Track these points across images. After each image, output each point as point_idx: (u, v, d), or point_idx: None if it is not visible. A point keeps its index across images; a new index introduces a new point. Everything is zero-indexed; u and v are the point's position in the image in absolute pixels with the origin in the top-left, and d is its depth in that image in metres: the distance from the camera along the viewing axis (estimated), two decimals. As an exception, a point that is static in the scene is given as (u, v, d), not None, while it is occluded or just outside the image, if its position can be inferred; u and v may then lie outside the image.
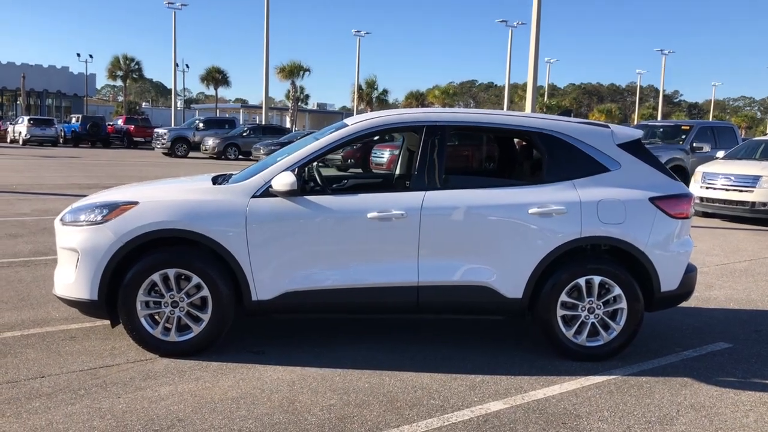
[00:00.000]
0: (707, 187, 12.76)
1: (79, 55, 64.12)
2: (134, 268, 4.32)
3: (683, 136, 15.68)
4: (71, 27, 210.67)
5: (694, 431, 3.56)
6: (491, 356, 4.61)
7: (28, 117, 38.76)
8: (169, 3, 48.44)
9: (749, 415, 3.81)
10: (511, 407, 3.77)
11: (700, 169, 13.23)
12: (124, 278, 4.32)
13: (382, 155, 20.05)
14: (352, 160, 21.55)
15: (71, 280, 4.39)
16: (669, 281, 4.62)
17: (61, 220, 4.57)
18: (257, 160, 5.20)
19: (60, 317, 5.19)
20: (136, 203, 4.38)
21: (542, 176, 4.63)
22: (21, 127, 37.18)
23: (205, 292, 4.36)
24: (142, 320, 4.38)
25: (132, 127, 40.19)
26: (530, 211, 4.46)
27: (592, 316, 4.56)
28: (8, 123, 41.38)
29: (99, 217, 4.37)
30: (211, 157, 30.20)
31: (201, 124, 32.82)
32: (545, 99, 66.23)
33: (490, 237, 4.47)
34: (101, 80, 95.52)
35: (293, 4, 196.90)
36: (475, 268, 4.47)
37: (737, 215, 12.57)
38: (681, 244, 4.70)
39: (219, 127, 32.87)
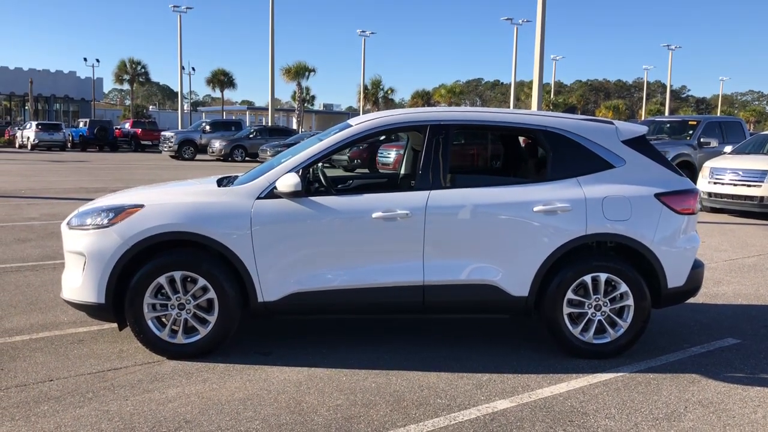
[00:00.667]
0: (715, 183, 12.70)
1: (86, 59, 64.64)
2: (141, 271, 4.34)
3: (690, 132, 15.61)
4: (78, 32, 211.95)
5: (702, 428, 3.55)
6: (498, 355, 4.61)
7: (36, 122, 38.99)
8: (174, 7, 48.66)
9: (758, 411, 3.79)
10: (518, 405, 3.77)
11: (708, 165, 13.16)
12: (131, 281, 4.34)
13: (389, 155, 20.04)
14: (359, 161, 21.59)
15: (78, 283, 4.42)
16: (676, 277, 4.60)
17: (68, 224, 4.60)
18: (264, 162, 5.20)
19: (68, 321, 5.22)
20: (141, 206, 4.40)
21: (547, 174, 4.63)
22: (29, 132, 37.40)
23: (212, 294, 4.38)
24: (149, 323, 4.40)
25: (139, 130, 40.39)
26: (535, 209, 4.45)
27: (598, 314, 4.55)
28: (17, 128, 41.63)
29: (105, 221, 4.39)
30: (218, 159, 30.30)
31: (207, 127, 32.90)
32: (552, 96, 66.05)
33: (496, 235, 4.47)
34: (108, 84, 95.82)
35: (298, 6, 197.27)
36: (480, 266, 4.47)
37: (745, 210, 12.50)
38: (687, 240, 4.68)
39: (225, 129, 32.95)
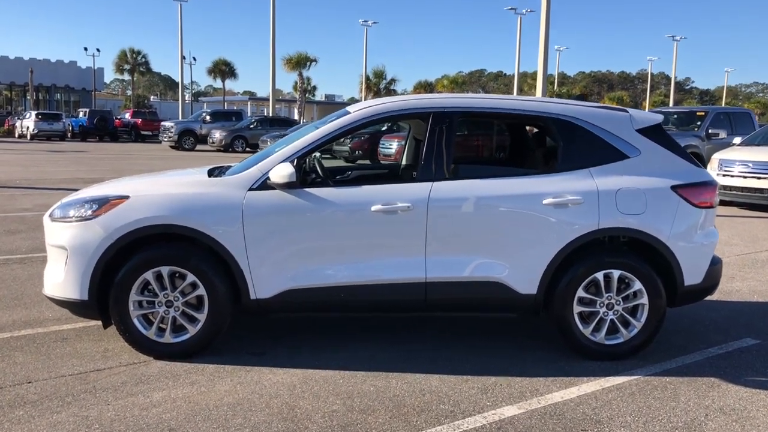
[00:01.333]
0: (724, 175, 12.40)
1: (86, 49, 64.27)
2: (126, 266, 4.09)
3: (698, 123, 15.30)
4: (78, 21, 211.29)
5: (724, 438, 3.30)
6: (504, 357, 4.35)
7: (36, 112, 38.69)
8: (175, -5, 48.19)
9: (783, 419, 3.54)
10: (526, 412, 3.52)
11: (717, 156, 12.87)
12: (116, 277, 4.09)
13: (391, 146, 19.72)
14: (360, 152, 21.28)
15: (60, 279, 4.17)
16: (693, 274, 4.34)
17: (50, 215, 4.35)
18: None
19: (53, 317, 4.98)
20: (126, 197, 4.15)
21: (557, 165, 4.36)
22: (28, 122, 37.12)
23: (201, 290, 4.13)
24: (135, 321, 4.16)
25: (139, 120, 40.09)
26: (544, 201, 4.19)
27: (611, 313, 4.29)
28: (16, 118, 41.36)
29: (88, 213, 4.14)
30: (218, 150, 30.02)
31: (208, 117, 32.63)
32: (555, 87, 65.60)
33: (502, 230, 4.21)
34: (109, 74, 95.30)
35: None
36: (486, 262, 4.21)
37: (755, 203, 12.22)
38: (705, 235, 4.42)
39: (226, 119, 32.66)
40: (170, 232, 4.10)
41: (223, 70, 59.85)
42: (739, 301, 5.92)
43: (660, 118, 4.63)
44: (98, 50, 60.53)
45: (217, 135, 29.89)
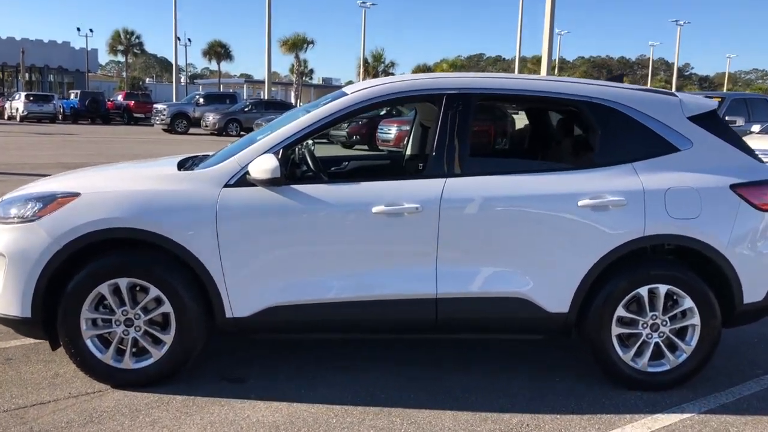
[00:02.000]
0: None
1: (79, 29, 62.94)
2: (76, 277, 3.39)
3: (714, 109, 14.55)
4: (72, 1, 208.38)
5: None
6: (529, 388, 3.67)
7: (26, 93, 37.70)
8: (169, -26, 47.02)
9: None
10: (562, 466, 2.85)
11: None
12: (65, 290, 3.40)
13: (390, 131, 18.93)
14: (358, 137, 20.49)
15: (-2, 292, 3.47)
16: (754, 290, 3.65)
17: (-11, 215, 3.64)
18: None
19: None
20: (77, 195, 3.44)
21: (594, 158, 3.66)
22: (18, 104, 36.08)
23: (167, 307, 3.44)
24: (88, 342, 3.47)
25: (132, 102, 39.08)
26: (580, 203, 3.49)
27: (655, 335, 3.61)
28: (6, 99, 40.38)
29: (31, 213, 3.43)
30: (212, 134, 29.14)
31: (201, 99, 31.71)
32: (555, 73, 64.66)
33: (529, 236, 3.52)
34: (104, 56, 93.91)
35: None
36: (508, 274, 3.52)
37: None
38: (768, 244, 3.73)
39: (220, 102, 31.73)
40: (129, 237, 3.40)
41: (219, 51, 58.82)
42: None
43: (714, 104, 3.92)
44: (91, 30, 59.28)
45: (211, 118, 28.99)
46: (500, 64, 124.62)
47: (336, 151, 18.72)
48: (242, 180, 3.44)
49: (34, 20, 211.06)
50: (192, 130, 30.62)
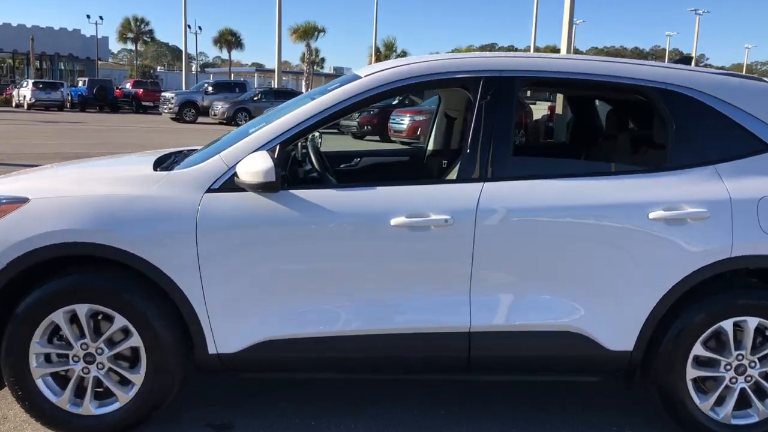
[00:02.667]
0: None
1: (89, 16, 62.44)
2: (23, 303, 2.74)
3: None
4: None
5: None
6: (581, 438, 2.98)
7: (33, 80, 37.21)
8: (179, -39, 46.30)
9: None
10: None
11: None
12: (10, 318, 2.74)
13: (402, 121, 18.17)
14: (369, 127, 19.74)
15: (-71, 319, 2.81)
16: None
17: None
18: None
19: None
20: (24, 200, 2.77)
21: (667, 158, 2.94)
22: (25, 91, 35.60)
23: (136, 340, 2.78)
24: (40, 383, 2.81)
25: (140, 90, 38.49)
26: (651, 215, 2.78)
27: (741, 379, 2.91)
28: (15, 87, 39.94)
29: (-32, 223, 2.76)
30: (220, 122, 28.50)
31: (210, 88, 31.06)
32: (571, 62, 63.21)
33: (586, 256, 2.82)
34: (116, 44, 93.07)
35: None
36: (559, 303, 2.83)
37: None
38: None
39: (229, 90, 31.08)
40: (88, 253, 2.73)
41: (229, 40, 58.14)
42: None
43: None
44: (101, 18, 58.79)
45: (219, 107, 28.35)
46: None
47: (346, 143, 18.02)
48: (229, 183, 2.76)
49: (45, 7, 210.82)
50: (200, 119, 30.01)
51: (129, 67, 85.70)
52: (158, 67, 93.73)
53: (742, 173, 2.88)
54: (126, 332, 2.79)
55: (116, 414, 2.83)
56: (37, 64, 54.49)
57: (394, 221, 2.73)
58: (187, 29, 48.24)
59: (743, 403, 2.93)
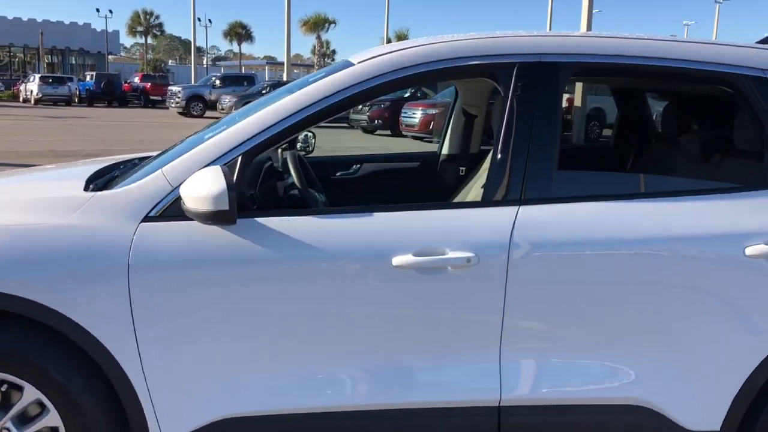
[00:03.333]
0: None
1: (98, 10, 61.90)
2: None
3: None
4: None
5: None
6: None
7: (40, 75, 36.75)
8: (187, -48, 45.65)
9: None
10: None
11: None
12: None
13: (414, 115, 17.38)
14: (380, 121, 18.96)
15: None
16: None
17: None
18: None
19: None
20: None
21: (765, 173, 2.18)
22: (32, 86, 35.18)
23: (53, 417, 2.08)
24: (-74, 473, 2.12)
25: (148, 84, 37.93)
26: (749, 250, 2.03)
27: None
28: (22, 82, 39.54)
29: None
30: (228, 117, 27.90)
31: (217, 81, 30.44)
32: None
33: (656, 306, 2.07)
34: (127, 38, 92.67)
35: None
36: (620, 369, 2.10)
37: None
38: None
39: (237, 84, 30.45)
40: (-16, 304, 2.02)
41: (240, 33, 57.48)
42: None
43: None
44: (110, 11, 58.42)
45: (227, 101, 27.71)
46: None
47: (352, 139, 17.22)
48: (174, 209, 2.04)
49: (56, 2, 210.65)
50: (208, 113, 29.40)
51: (141, 61, 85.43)
52: (170, 61, 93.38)
53: None
54: (41, 407, 2.09)
55: None
56: (48, 58, 54.20)
57: (397, 260, 2.00)
58: (197, 22, 47.67)
59: None
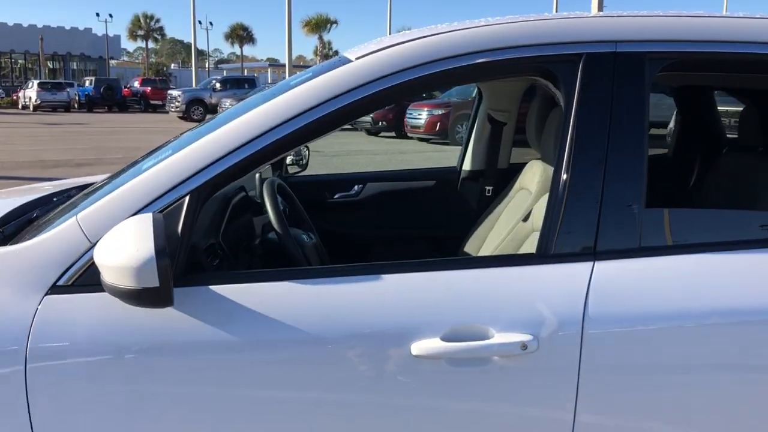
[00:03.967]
0: None
1: (98, 14, 61.75)
2: None
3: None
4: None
5: None
6: None
7: (38, 81, 36.28)
8: (186, -46, 45.18)
9: None
10: None
11: None
12: None
13: (420, 116, 16.73)
14: (384, 123, 18.30)
15: None
16: None
17: None
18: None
19: None
20: None
21: None
22: (31, 92, 34.73)
23: None
24: None
25: (148, 89, 37.41)
26: None
27: None
28: (21, 88, 39.13)
29: None
30: (229, 121, 27.35)
31: (218, 85, 29.88)
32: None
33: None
34: (128, 42, 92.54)
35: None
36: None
37: None
38: None
39: (238, 87, 29.87)
40: None
41: (241, 35, 56.98)
42: None
43: None
44: (111, 16, 58.14)
45: (228, 104, 27.14)
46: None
47: (356, 141, 16.58)
48: (91, 274, 1.40)
49: (56, 8, 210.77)
50: (209, 117, 28.87)
51: (143, 65, 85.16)
52: (172, 65, 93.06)
53: None
54: None
55: None
56: (50, 64, 53.86)
57: (417, 348, 1.35)
58: (198, 24, 47.23)
59: None
